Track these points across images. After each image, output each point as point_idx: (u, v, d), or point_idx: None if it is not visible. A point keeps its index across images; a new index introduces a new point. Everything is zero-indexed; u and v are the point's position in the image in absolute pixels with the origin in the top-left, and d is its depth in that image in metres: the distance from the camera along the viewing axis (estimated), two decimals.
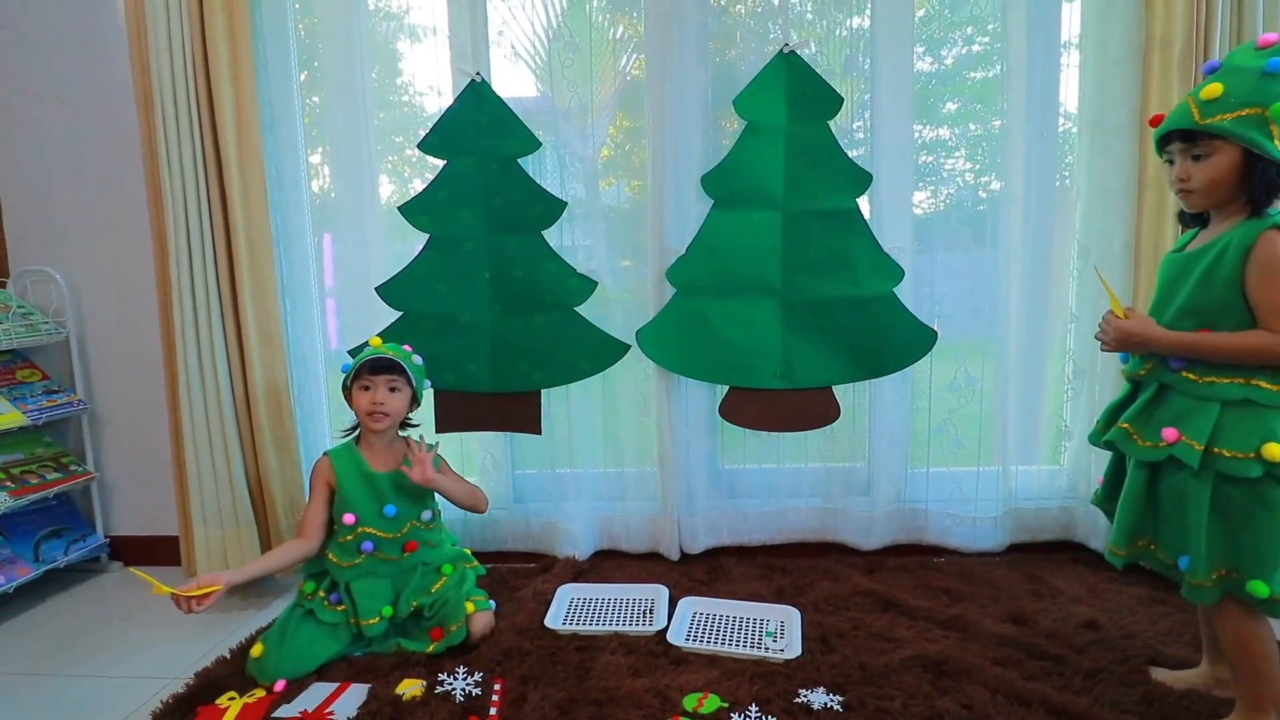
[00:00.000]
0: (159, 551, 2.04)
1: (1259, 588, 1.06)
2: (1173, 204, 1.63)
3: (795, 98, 1.76)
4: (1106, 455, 1.35)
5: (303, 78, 1.92)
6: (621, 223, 1.95)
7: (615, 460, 2.00)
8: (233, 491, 1.81)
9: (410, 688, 1.35)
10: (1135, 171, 1.72)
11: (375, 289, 1.85)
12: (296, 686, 1.39)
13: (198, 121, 1.73)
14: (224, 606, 1.80)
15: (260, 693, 1.37)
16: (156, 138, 1.72)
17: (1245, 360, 1.09)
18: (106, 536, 2.08)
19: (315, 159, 1.97)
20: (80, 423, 2.04)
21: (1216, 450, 1.08)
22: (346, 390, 1.60)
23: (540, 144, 1.82)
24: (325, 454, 1.60)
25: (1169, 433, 1.13)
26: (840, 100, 1.76)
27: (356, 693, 1.36)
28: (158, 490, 2.01)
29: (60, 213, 2.01)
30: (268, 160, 1.80)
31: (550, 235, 1.86)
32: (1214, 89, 1.09)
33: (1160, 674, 1.34)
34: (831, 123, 1.78)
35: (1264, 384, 1.08)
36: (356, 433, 1.63)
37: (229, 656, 1.50)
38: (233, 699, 1.35)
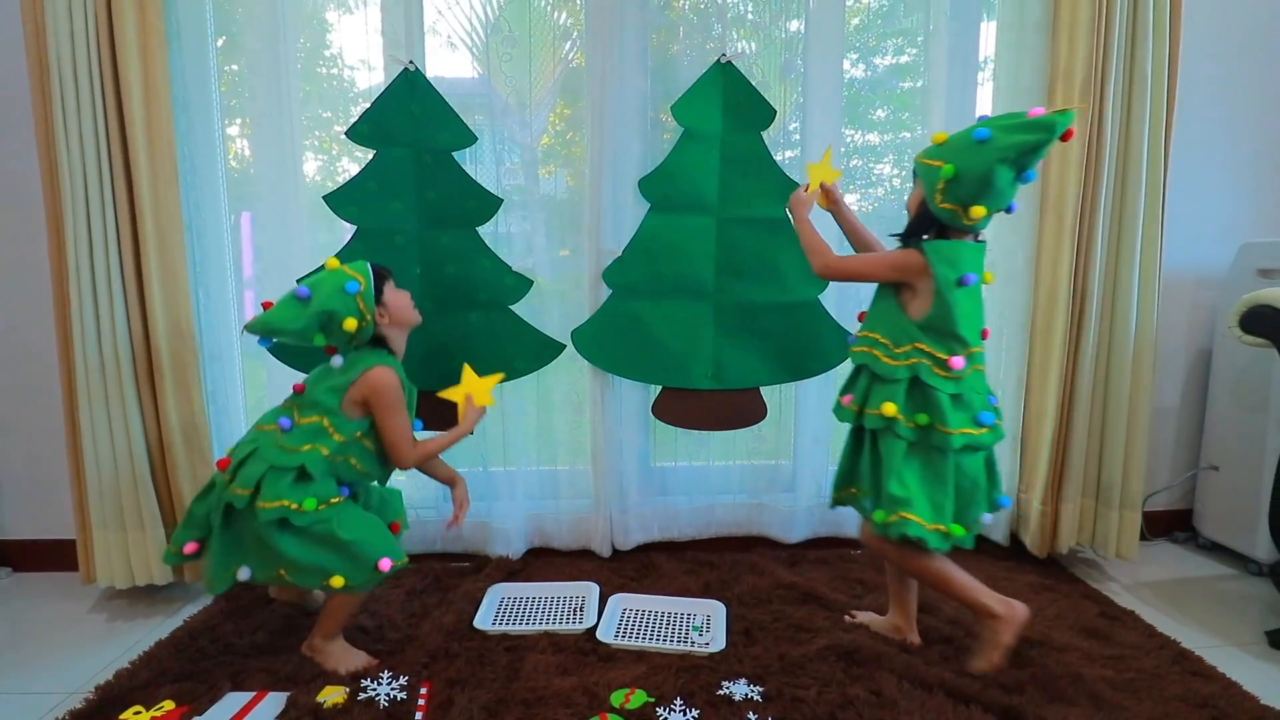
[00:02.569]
0: (55, 556, 1.90)
1: (915, 528, 1.31)
2: (1071, 226, 1.77)
3: (731, 108, 1.80)
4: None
5: (220, 43, 1.81)
6: (560, 212, 1.95)
7: (549, 458, 2.00)
8: (137, 492, 1.70)
9: (331, 695, 1.32)
10: (1038, 195, 1.85)
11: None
12: (207, 700, 1.33)
13: (100, 95, 1.59)
14: (129, 614, 1.72)
15: (169, 705, 1.31)
16: (53, 111, 1.58)
17: (807, 254, 1.49)
18: None
19: (233, 131, 1.87)
20: None
21: (873, 411, 1.37)
22: (375, 303, 1.44)
23: (476, 139, 1.79)
24: (387, 366, 1.45)
25: (846, 399, 1.44)
26: (773, 112, 1.81)
27: (274, 701, 1.32)
28: (52, 491, 1.87)
29: None
30: (180, 139, 1.69)
31: (487, 224, 1.83)
32: (942, 135, 1.31)
33: (862, 616, 1.60)
34: (765, 131, 1.83)
35: (881, 356, 1.38)
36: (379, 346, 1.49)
37: (129, 668, 1.42)
38: (138, 714, 1.29)
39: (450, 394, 1.54)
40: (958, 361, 1.33)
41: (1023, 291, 1.90)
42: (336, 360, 1.47)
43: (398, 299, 1.51)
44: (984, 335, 1.40)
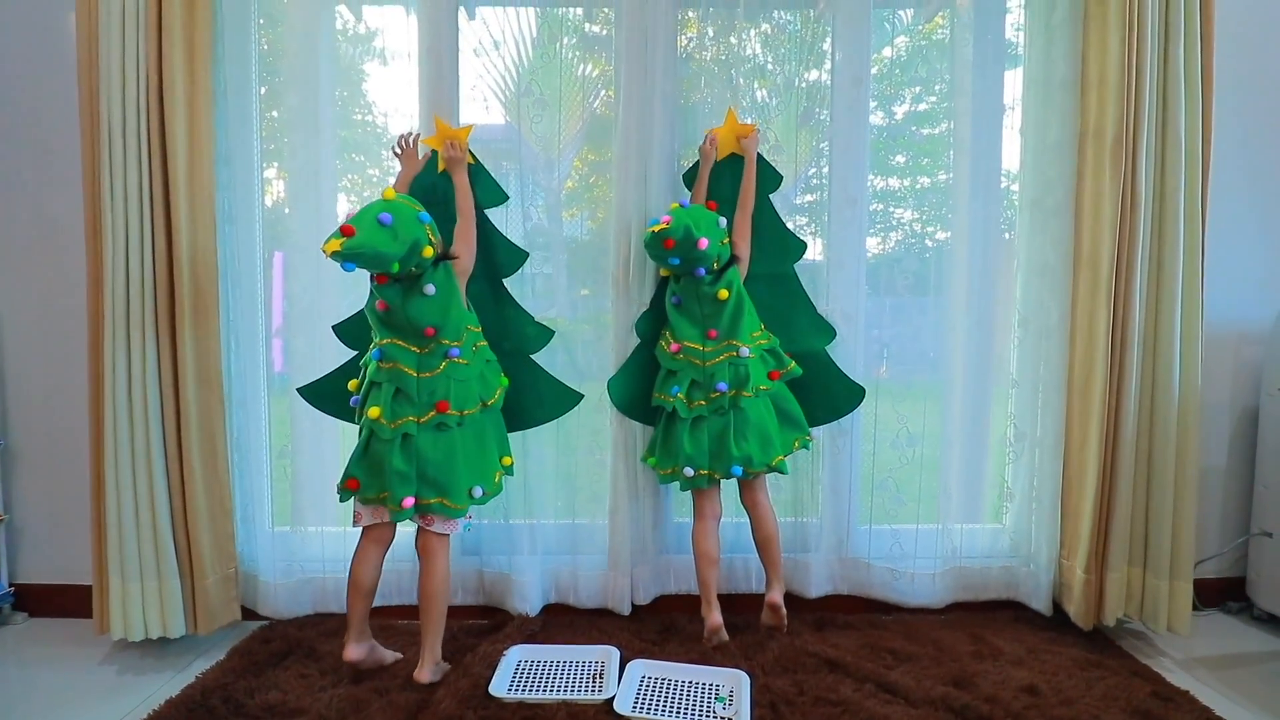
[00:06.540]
0: (70, 602, 1.89)
1: (783, 464, 1.76)
2: (1106, 281, 1.73)
3: (739, 174, 1.82)
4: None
5: (262, 92, 1.87)
6: (581, 253, 1.98)
7: (568, 511, 1.96)
8: (156, 542, 1.68)
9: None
10: (1071, 249, 1.81)
11: (332, 328, 1.79)
12: None
13: (146, 150, 1.65)
14: (139, 668, 1.69)
15: None
16: (100, 164, 1.64)
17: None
18: (12, 584, 1.92)
19: (270, 174, 1.91)
20: None
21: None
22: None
23: (508, 197, 1.82)
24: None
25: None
26: (780, 178, 1.85)
27: None
28: (73, 536, 1.87)
29: None
30: (220, 192, 1.74)
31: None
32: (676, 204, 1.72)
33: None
34: (788, 168, 1.87)
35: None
36: None
37: None
38: None
39: (430, 141, 1.74)
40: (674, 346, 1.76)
41: (1057, 347, 1.85)
42: (429, 288, 1.51)
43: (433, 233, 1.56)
44: (709, 335, 1.73)
